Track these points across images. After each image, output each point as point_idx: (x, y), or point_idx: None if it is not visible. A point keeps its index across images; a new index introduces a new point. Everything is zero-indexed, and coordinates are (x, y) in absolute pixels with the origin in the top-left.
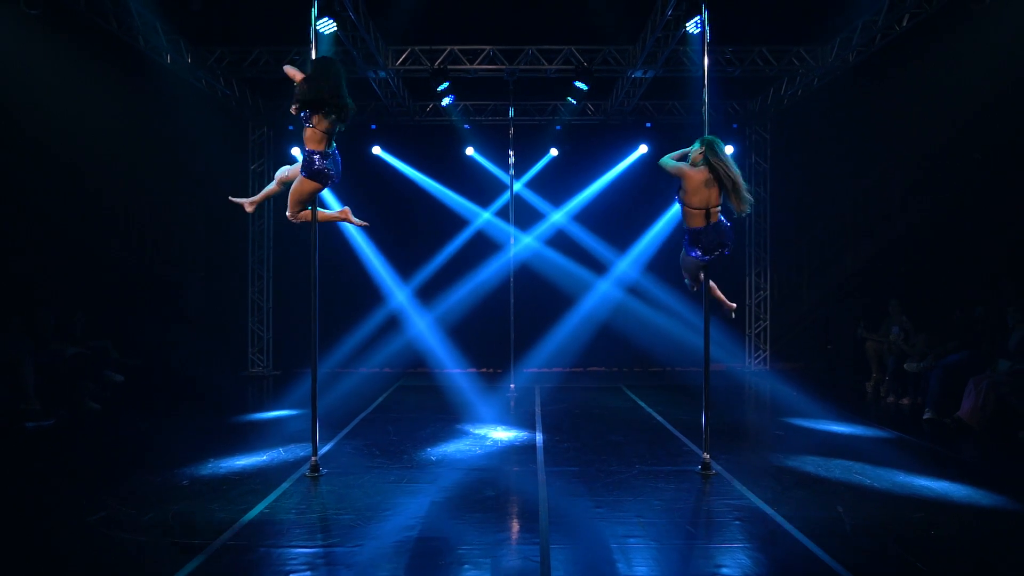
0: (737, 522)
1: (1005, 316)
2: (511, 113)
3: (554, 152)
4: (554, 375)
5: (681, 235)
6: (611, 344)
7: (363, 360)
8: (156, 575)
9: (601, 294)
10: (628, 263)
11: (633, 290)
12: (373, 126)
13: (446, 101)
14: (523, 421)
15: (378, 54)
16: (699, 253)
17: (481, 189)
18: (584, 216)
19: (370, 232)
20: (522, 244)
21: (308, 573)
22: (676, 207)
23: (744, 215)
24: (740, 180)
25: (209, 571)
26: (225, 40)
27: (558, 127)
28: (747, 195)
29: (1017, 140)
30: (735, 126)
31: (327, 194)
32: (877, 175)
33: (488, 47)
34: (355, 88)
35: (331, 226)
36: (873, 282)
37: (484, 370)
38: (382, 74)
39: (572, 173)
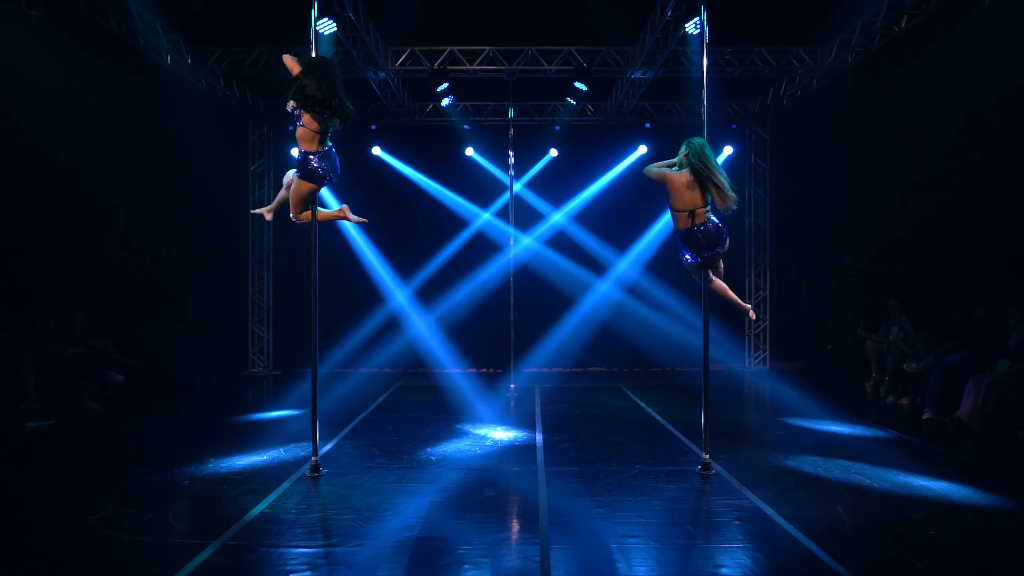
0: (737, 522)
1: (1005, 316)
2: (511, 114)
3: (554, 153)
4: (554, 375)
5: None
6: (611, 344)
7: (363, 360)
8: (156, 575)
9: (601, 294)
10: (628, 263)
11: (633, 290)
12: (373, 127)
13: (446, 102)
14: (523, 421)
15: (378, 55)
16: (689, 255)
17: (481, 190)
18: (584, 217)
19: (370, 232)
20: (522, 244)
21: (308, 573)
22: None
23: (729, 212)
24: (721, 180)
25: (209, 571)
26: (225, 40)
27: (558, 128)
28: (731, 193)
29: (1017, 140)
30: (734, 127)
31: (327, 193)
32: (876, 175)
33: (488, 48)
34: (355, 88)
35: (331, 226)
36: (872, 282)
37: (484, 370)
38: (382, 75)
39: (572, 174)
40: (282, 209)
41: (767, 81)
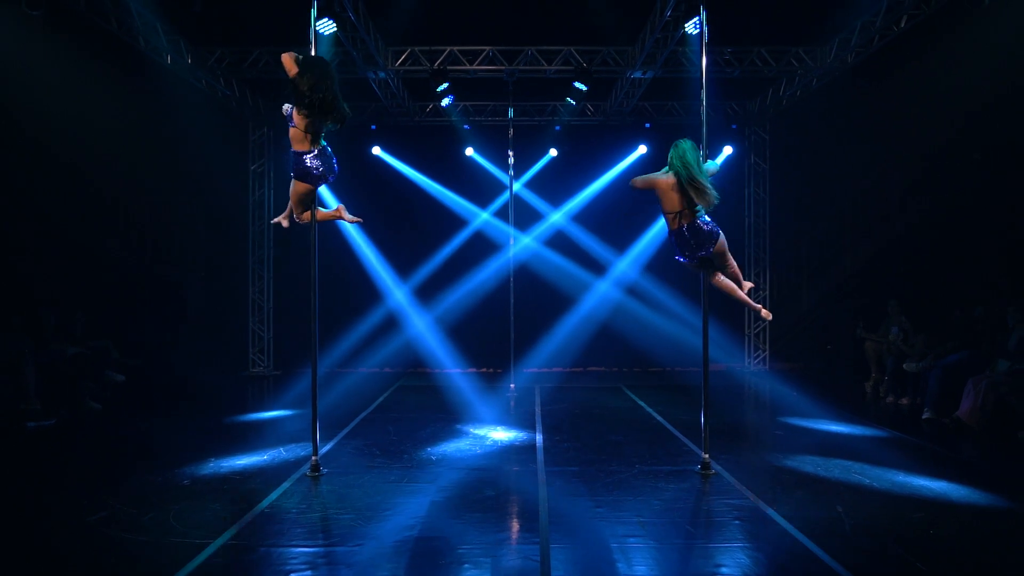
0: (737, 522)
1: (1005, 316)
2: (510, 114)
3: (553, 152)
4: (554, 375)
5: None
6: (611, 344)
7: (363, 360)
8: (156, 575)
9: (601, 294)
10: (627, 263)
11: (632, 290)
12: (373, 127)
13: (446, 102)
14: (523, 421)
15: (378, 55)
16: (680, 255)
17: (481, 189)
18: (583, 216)
19: (371, 232)
20: (522, 244)
21: (308, 572)
22: None
23: (711, 208)
24: (700, 180)
25: (209, 571)
26: (225, 41)
27: (557, 128)
28: (709, 191)
29: (1017, 140)
30: (734, 127)
31: (326, 193)
32: (876, 175)
33: (488, 48)
34: (355, 88)
35: (331, 227)
36: (872, 282)
37: (484, 370)
38: (382, 75)
39: (571, 174)
40: (282, 209)
41: (767, 81)
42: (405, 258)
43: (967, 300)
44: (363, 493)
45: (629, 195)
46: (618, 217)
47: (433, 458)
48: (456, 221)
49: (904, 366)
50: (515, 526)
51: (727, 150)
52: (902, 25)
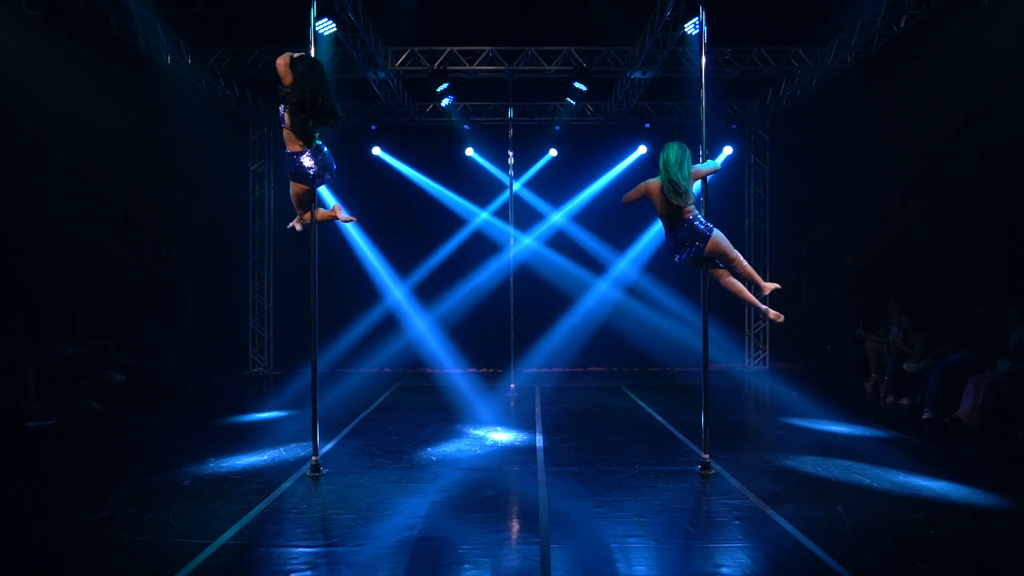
0: (737, 522)
1: (1005, 316)
2: (510, 114)
3: (553, 153)
4: (554, 375)
5: None
6: (611, 344)
7: (363, 360)
8: (156, 575)
9: (600, 294)
10: (627, 263)
11: (632, 290)
12: (373, 127)
13: (446, 102)
14: (523, 421)
15: (378, 55)
16: (675, 255)
17: (481, 189)
18: (583, 216)
19: (371, 232)
20: (522, 244)
21: (309, 572)
22: None
23: (687, 206)
24: (675, 179)
25: (209, 571)
26: (225, 41)
27: (557, 128)
28: (680, 189)
29: (1017, 140)
30: (734, 127)
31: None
32: (876, 175)
33: (487, 48)
34: (355, 88)
35: (332, 227)
36: (872, 282)
37: (484, 370)
38: (382, 75)
39: (571, 174)
40: (282, 209)
41: (766, 81)
42: (405, 258)
43: (967, 300)
44: (363, 493)
45: None
46: (618, 217)
47: (433, 458)
48: (456, 221)
49: (904, 366)
50: (515, 526)
51: (727, 150)
52: (902, 25)
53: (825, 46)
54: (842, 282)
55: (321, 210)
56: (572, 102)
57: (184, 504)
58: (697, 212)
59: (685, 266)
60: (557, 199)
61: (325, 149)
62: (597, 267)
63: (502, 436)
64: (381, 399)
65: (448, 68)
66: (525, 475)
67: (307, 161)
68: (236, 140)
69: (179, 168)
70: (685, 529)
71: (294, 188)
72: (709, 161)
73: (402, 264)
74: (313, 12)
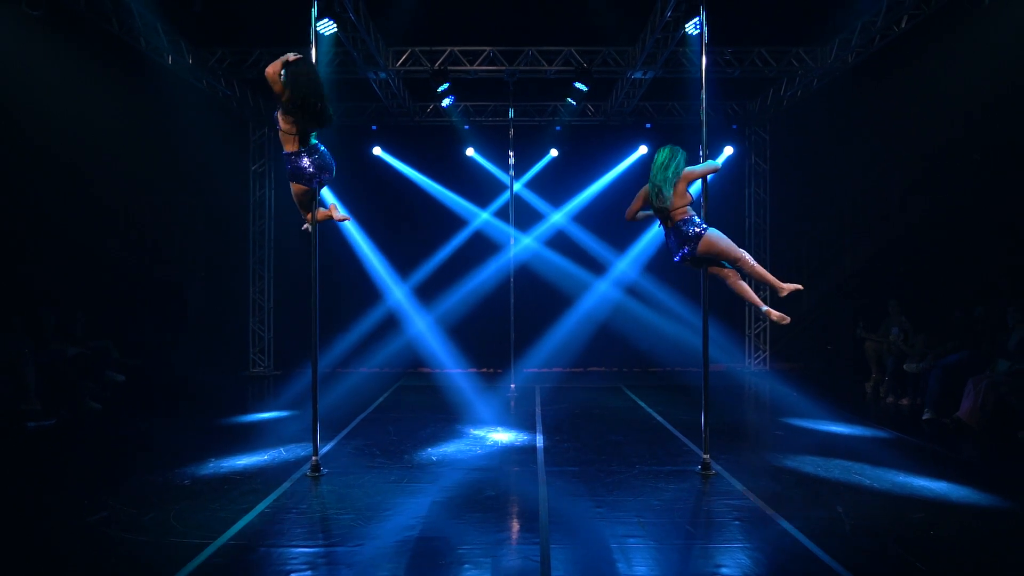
0: (737, 522)
1: (1005, 316)
2: (511, 114)
3: (554, 153)
4: (554, 375)
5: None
6: (611, 344)
7: (363, 360)
8: (156, 575)
9: (600, 294)
10: (627, 263)
11: (632, 290)
12: (374, 127)
13: (446, 102)
14: (523, 421)
15: (378, 55)
16: (673, 255)
17: (481, 190)
18: (584, 217)
19: (370, 232)
20: (522, 244)
21: (309, 573)
22: None
23: (664, 206)
24: (655, 180)
25: (209, 571)
26: (226, 41)
27: (558, 128)
28: (662, 191)
29: (1017, 140)
30: (735, 127)
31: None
32: (876, 175)
33: (488, 48)
34: (355, 89)
35: (332, 227)
36: (872, 282)
37: (484, 370)
38: (382, 75)
39: (572, 174)
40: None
41: (767, 81)
42: (405, 258)
43: (967, 300)
44: (363, 493)
45: (630, 195)
46: (618, 217)
47: (433, 458)
48: (456, 221)
49: (904, 366)
50: (515, 526)
51: (727, 150)
52: (902, 25)
53: (826, 46)
54: (842, 282)
55: (321, 210)
56: (573, 102)
57: (184, 504)
58: (693, 213)
59: (684, 266)
60: (557, 199)
61: (322, 148)
62: (597, 267)
63: (502, 436)
64: (381, 399)
65: (449, 68)
66: (525, 475)
67: (304, 161)
68: (236, 140)
69: (179, 168)
70: (685, 529)
71: (294, 189)
72: (708, 161)
73: (402, 264)
74: (314, 12)
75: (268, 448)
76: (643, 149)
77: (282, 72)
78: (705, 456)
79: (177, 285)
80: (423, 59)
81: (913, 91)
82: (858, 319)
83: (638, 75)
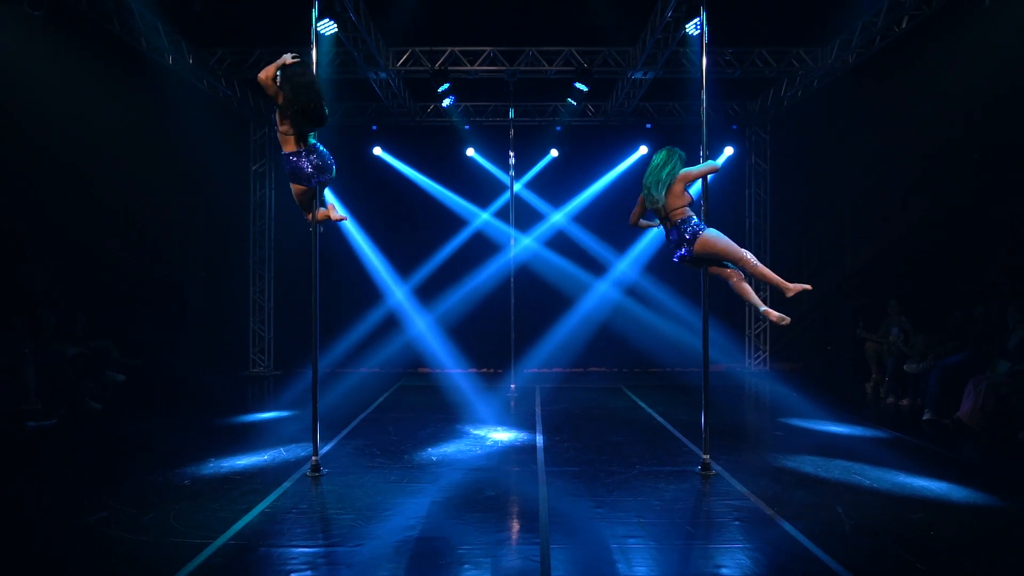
0: (737, 522)
1: (1005, 316)
2: (511, 114)
3: (554, 153)
4: (554, 375)
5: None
6: (611, 345)
7: (363, 360)
8: (156, 575)
9: (601, 295)
10: (627, 264)
11: (632, 291)
12: (374, 127)
13: (447, 102)
14: (523, 421)
15: (379, 55)
16: (672, 255)
17: (481, 190)
18: (584, 217)
19: (371, 232)
20: (522, 245)
21: (309, 573)
22: None
23: (656, 207)
24: (646, 179)
25: (209, 571)
26: (226, 41)
27: (558, 128)
28: (650, 191)
29: (1017, 140)
30: (735, 127)
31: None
32: (877, 176)
33: (488, 48)
34: (356, 89)
35: (333, 227)
36: (872, 283)
37: (484, 370)
38: (383, 75)
39: (572, 174)
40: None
41: (767, 82)
42: (405, 258)
43: (967, 300)
44: (363, 493)
45: (630, 195)
46: (618, 217)
47: (433, 458)
48: (457, 221)
49: (905, 367)
50: (515, 526)
51: (728, 151)
52: (903, 26)
53: (826, 47)
54: (842, 282)
55: (320, 210)
56: (573, 102)
57: (184, 504)
58: (691, 213)
59: (684, 266)
60: (558, 199)
61: (321, 148)
62: (597, 267)
63: (502, 436)
64: (381, 399)
65: (449, 68)
66: (525, 475)
67: (303, 162)
68: (237, 140)
69: (179, 168)
70: (685, 529)
71: (294, 189)
72: (708, 161)
73: (403, 264)
74: (314, 12)
75: (268, 448)
76: (643, 149)
77: (277, 75)
78: (705, 456)
79: (177, 285)
80: (423, 59)
81: (913, 91)
82: (858, 319)
83: (638, 75)
